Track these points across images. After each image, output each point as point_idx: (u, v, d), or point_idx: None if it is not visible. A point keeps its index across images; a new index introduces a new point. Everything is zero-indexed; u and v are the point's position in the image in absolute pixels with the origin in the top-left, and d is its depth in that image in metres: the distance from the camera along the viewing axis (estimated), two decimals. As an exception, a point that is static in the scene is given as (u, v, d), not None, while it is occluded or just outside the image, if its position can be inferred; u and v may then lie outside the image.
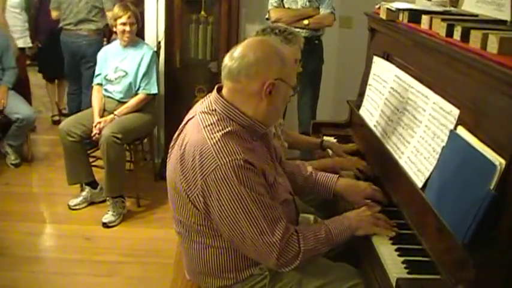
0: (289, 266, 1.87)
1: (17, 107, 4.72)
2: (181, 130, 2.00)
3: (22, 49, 5.52)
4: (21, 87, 5.13)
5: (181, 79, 4.54)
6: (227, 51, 1.94)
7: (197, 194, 1.83)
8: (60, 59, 5.29)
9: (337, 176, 2.34)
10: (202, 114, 1.91)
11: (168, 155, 2.05)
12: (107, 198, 3.96)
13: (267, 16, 4.20)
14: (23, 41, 5.55)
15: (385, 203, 2.23)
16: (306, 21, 4.09)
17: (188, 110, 2.06)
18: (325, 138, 3.04)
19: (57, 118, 6.05)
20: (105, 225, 3.86)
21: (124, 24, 4.03)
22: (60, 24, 5.09)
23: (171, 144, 2.03)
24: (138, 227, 3.92)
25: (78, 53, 5.06)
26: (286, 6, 4.16)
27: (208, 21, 4.45)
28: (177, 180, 1.90)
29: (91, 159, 4.19)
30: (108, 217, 3.89)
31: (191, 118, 1.98)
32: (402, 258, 1.85)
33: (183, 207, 1.92)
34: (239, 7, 4.40)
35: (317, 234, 1.91)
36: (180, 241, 2.12)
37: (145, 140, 4.51)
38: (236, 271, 1.95)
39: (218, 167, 1.77)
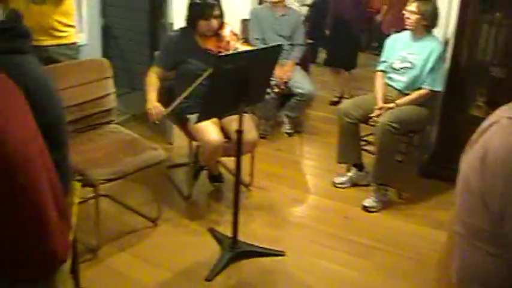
0: None
1: (301, 82, 5.05)
2: (482, 133, 1.96)
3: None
4: (304, 65, 5.49)
5: (463, 80, 4.39)
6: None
7: (494, 197, 1.78)
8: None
9: None
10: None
11: (463, 154, 2.02)
12: (372, 183, 4.06)
13: None
14: None
15: None
16: None
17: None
18: None
19: (336, 99, 6.40)
20: (366, 208, 3.95)
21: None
22: None
23: (466, 147, 2.01)
24: (396, 219, 3.90)
25: None
26: None
27: (503, 23, 4.23)
28: (472, 177, 1.87)
29: (362, 143, 4.32)
30: (369, 201, 3.98)
31: (495, 122, 1.93)
32: None
33: (473, 207, 1.88)
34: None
35: None
36: (455, 242, 2.09)
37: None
38: None
39: None
